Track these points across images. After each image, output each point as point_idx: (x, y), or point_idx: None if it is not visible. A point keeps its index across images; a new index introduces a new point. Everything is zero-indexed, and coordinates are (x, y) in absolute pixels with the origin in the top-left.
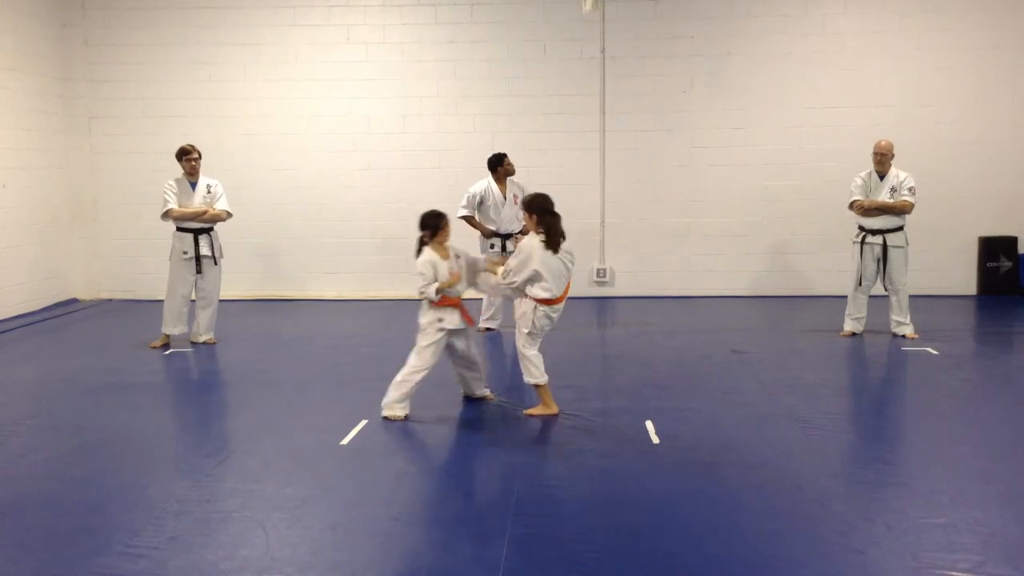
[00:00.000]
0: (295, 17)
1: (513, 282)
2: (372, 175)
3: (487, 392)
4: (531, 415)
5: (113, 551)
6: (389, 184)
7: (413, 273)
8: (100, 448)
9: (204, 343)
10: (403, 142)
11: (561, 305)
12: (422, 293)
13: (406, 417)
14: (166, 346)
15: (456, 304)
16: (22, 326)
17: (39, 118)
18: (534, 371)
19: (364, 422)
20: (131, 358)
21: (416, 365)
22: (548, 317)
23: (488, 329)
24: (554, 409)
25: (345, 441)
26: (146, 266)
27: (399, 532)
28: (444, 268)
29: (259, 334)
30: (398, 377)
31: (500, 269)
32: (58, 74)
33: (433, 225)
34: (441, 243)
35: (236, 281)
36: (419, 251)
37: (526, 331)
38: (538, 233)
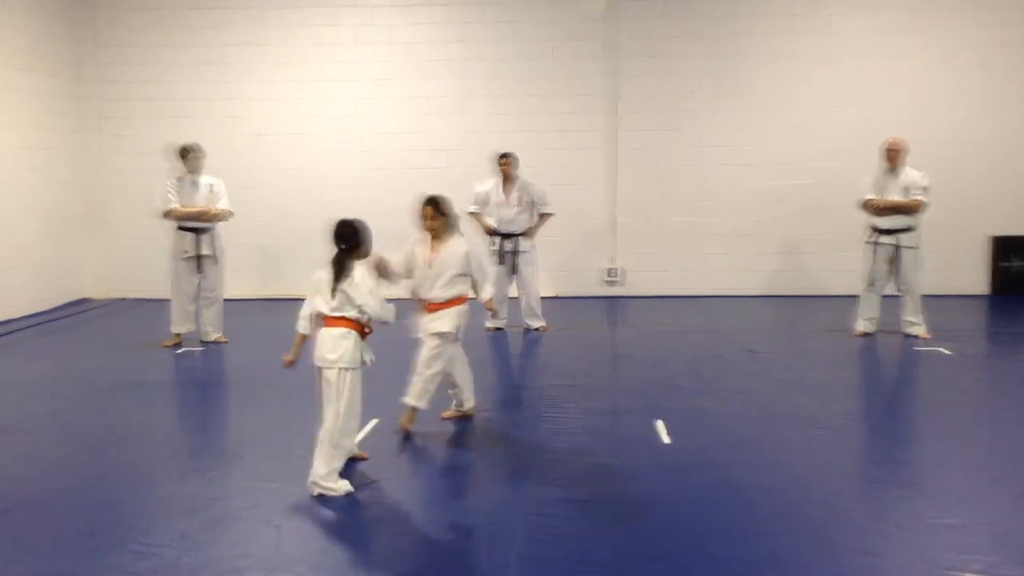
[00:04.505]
0: (303, 18)
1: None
2: (380, 175)
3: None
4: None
5: (125, 549)
6: (397, 184)
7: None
8: (111, 447)
9: (214, 342)
10: (411, 142)
11: None
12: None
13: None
14: (177, 345)
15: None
16: (34, 325)
17: (49, 118)
18: (417, 392)
19: (375, 421)
20: (142, 357)
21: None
22: (466, 313)
23: (497, 329)
24: (408, 427)
25: (356, 440)
26: (156, 265)
27: (409, 530)
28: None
29: (269, 333)
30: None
31: (486, 291)
32: (68, 74)
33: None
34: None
35: (244, 280)
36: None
37: (442, 340)
38: (456, 233)
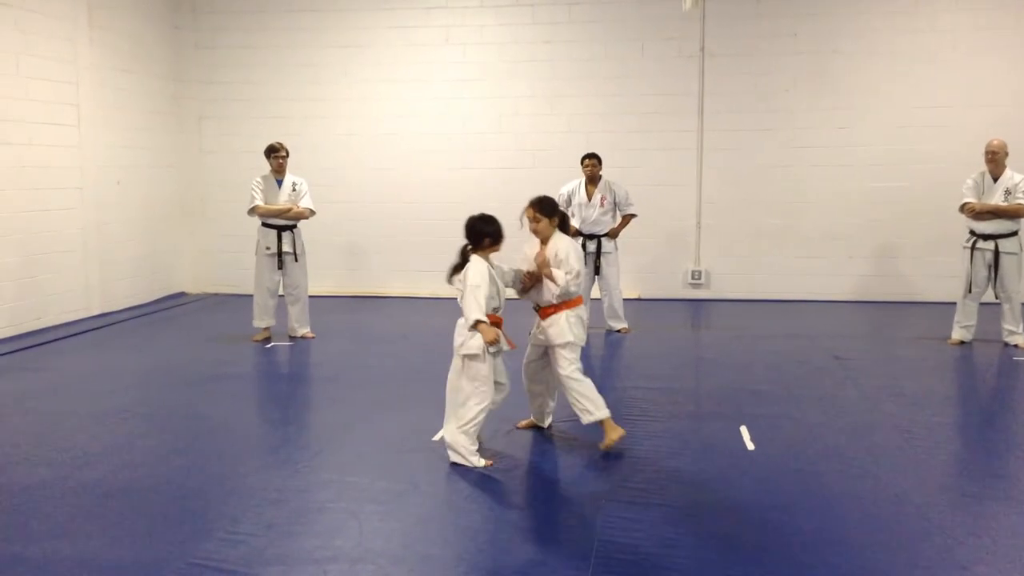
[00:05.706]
0: (394, 19)
1: (577, 272)
2: (468, 175)
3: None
4: (608, 448)
5: (214, 537)
6: (484, 184)
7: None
8: (203, 437)
9: (302, 337)
10: (499, 142)
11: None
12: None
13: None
14: (267, 340)
15: (500, 322)
16: (133, 317)
17: (152, 118)
18: (591, 404)
19: None
20: (233, 351)
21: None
22: (580, 319)
23: None
24: (621, 431)
25: (437, 437)
26: (250, 262)
27: (488, 529)
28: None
29: (355, 330)
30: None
31: (558, 272)
32: (169, 75)
33: (494, 232)
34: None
35: (332, 277)
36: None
37: (569, 350)
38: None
